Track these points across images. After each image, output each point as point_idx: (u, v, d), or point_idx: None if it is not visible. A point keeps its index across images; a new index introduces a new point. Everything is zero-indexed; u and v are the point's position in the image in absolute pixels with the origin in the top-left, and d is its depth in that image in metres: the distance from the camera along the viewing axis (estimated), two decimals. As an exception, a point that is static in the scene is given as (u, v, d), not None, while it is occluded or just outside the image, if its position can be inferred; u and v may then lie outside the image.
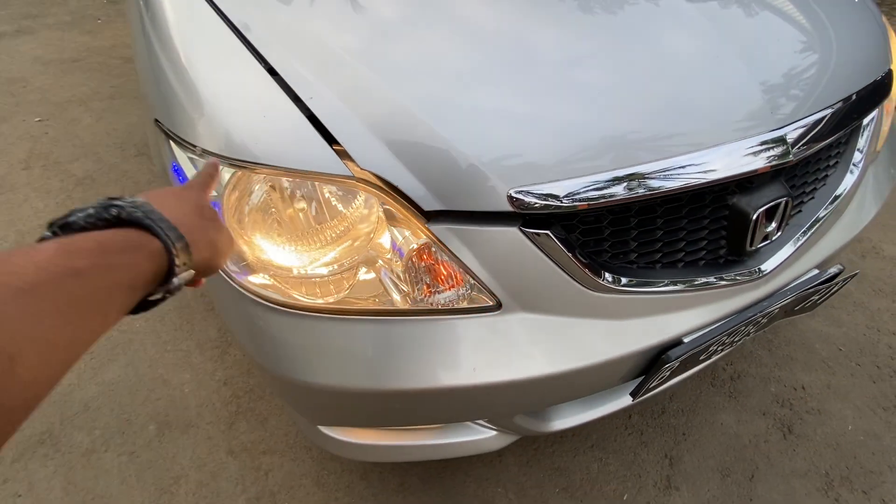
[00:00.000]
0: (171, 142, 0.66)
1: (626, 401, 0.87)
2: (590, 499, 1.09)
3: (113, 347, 1.40)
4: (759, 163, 0.65)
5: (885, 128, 0.97)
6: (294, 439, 1.20)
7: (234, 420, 1.24)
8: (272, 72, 0.64)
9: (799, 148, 0.68)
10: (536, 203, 0.58)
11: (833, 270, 0.84)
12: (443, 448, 0.84)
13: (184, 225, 0.36)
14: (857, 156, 0.86)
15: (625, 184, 0.60)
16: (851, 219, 0.91)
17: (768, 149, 0.66)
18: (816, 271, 0.84)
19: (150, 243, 0.33)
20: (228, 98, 0.63)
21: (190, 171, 0.64)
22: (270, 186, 0.62)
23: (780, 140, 0.66)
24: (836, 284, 0.85)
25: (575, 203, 0.58)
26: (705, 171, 0.62)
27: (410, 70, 0.64)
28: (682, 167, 0.62)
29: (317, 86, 0.61)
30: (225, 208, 0.61)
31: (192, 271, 0.38)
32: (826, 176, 0.85)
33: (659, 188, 0.61)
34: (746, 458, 1.16)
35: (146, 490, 1.12)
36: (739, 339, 0.85)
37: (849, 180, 0.85)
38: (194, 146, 0.62)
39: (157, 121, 0.70)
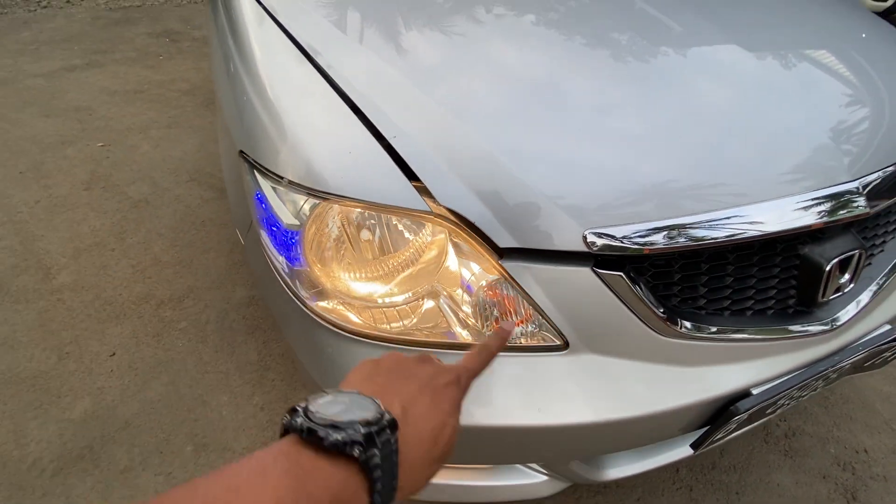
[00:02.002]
0: (256, 172, 0.70)
1: (685, 451, 0.83)
2: (637, 558, 1.03)
3: (157, 365, 1.43)
4: (836, 214, 0.64)
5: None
6: (329, 471, 1.18)
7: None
8: (356, 110, 0.68)
9: (874, 200, 0.67)
10: (611, 244, 0.59)
11: (907, 326, 0.81)
12: (491, 490, 0.81)
13: (409, 457, 0.32)
14: (927, 209, 0.84)
15: (700, 229, 0.60)
16: (922, 274, 0.87)
17: (844, 200, 0.65)
18: (888, 327, 0.81)
19: (360, 499, 0.29)
20: (314, 133, 0.67)
21: (273, 199, 0.67)
22: (345, 219, 0.65)
23: (856, 192, 0.66)
24: (911, 342, 0.81)
25: (649, 246, 0.59)
26: (781, 220, 0.62)
27: (491, 114, 0.67)
28: (758, 215, 0.62)
29: (398, 124, 0.65)
30: (306, 240, 0.63)
31: None
32: (895, 229, 0.83)
33: (734, 235, 0.61)
34: (808, 526, 1.08)
35: (180, 514, 1.11)
36: (807, 394, 0.81)
37: (919, 234, 0.83)
38: (280, 177, 0.65)
39: (242, 152, 0.74)
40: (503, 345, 0.47)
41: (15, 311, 1.61)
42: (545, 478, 0.82)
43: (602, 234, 0.58)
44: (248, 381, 1.39)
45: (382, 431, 0.30)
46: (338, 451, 0.29)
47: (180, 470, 1.19)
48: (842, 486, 1.15)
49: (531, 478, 0.81)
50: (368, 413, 0.31)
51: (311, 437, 0.29)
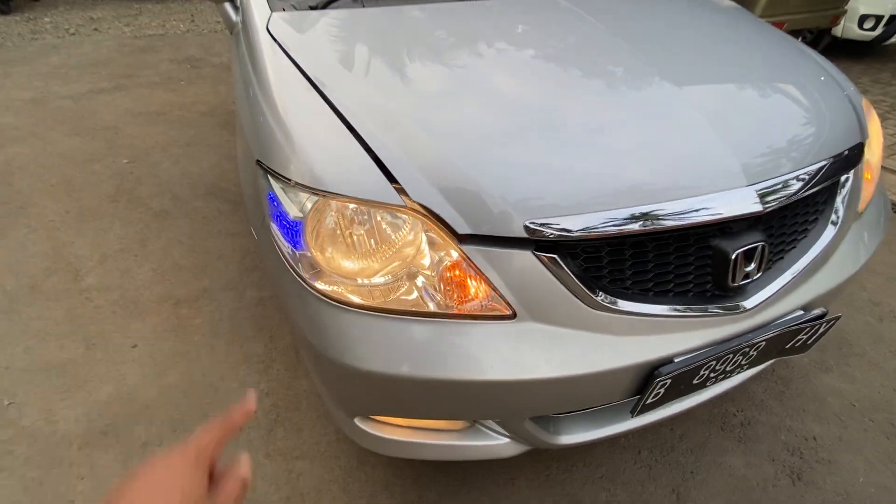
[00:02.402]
0: (270, 176, 0.87)
1: (627, 420, 0.96)
2: (598, 526, 1.15)
3: (173, 356, 1.58)
4: (733, 211, 0.79)
5: (867, 194, 1.10)
6: (325, 448, 1.31)
7: (272, 427, 1.37)
8: (350, 128, 0.85)
9: (767, 201, 0.82)
10: (545, 232, 0.74)
11: (816, 312, 0.94)
12: (461, 449, 0.95)
13: None
14: (836, 214, 0.99)
15: (614, 222, 0.75)
16: (836, 268, 1.01)
17: (742, 200, 0.81)
18: (801, 312, 0.95)
19: None
20: (316, 145, 0.84)
21: (283, 198, 0.84)
22: (339, 213, 0.81)
23: (751, 194, 0.81)
24: (821, 325, 0.95)
25: (576, 234, 0.74)
26: (685, 215, 0.78)
27: (452, 130, 0.84)
28: (664, 212, 0.78)
29: (383, 139, 0.82)
30: (308, 230, 0.79)
31: None
32: (806, 229, 0.97)
33: (644, 227, 0.76)
34: (753, 501, 1.19)
35: (192, 482, 1.24)
36: (733, 370, 0.94)
37: (828, 234, 0.97)
38: (289, 180, 0.82)
39: (258, 161, 0.92)
40: (246, 418, 0.44)
41: (47, 307, 1.78)
42: (507, 440, 0.95)
43: (538, 223, 0.74)
44: (255, 371, 1.54)
45: None
46: None
47: (192, 445, 1.33)
48: (788, 467, 1.26)
49: (494, 439, 0.95)
50: None
51: None
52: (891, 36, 5.35)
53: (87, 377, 1.52)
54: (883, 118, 3.97)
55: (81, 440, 1.34)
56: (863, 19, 5.32)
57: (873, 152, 1.12)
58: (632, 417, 0.92)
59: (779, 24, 4.42)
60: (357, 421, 0.94)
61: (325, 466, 1.27)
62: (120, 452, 1.31)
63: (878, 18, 5.30)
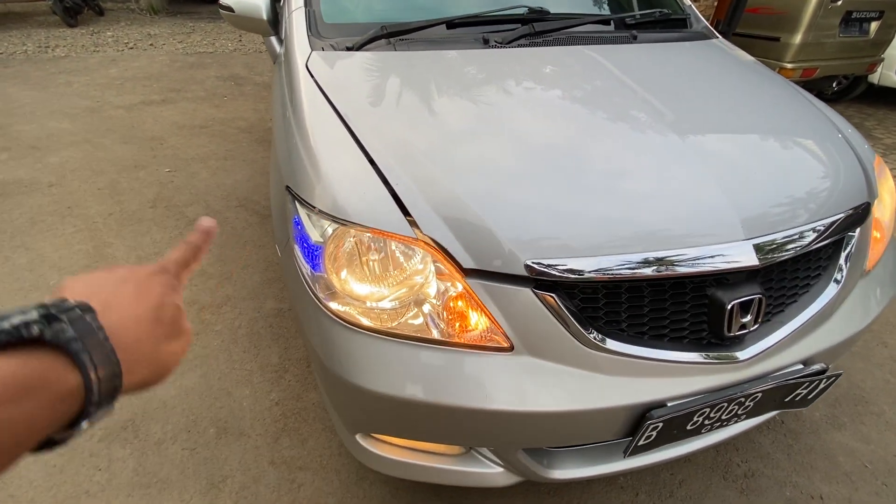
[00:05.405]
0: (297, 202, 0.95)
1: (621, 461, 0.98)
2: (588, 566, 1.14)
3: (194, 359, 1.67)
4: (729, 264, 0.83)
5: (876, 253, 1.11)
6: (327, 461, 1.35)
7: (279, 435, 1.43)
8: (372, 162, 0.92)
9: (765, 257, 0.85)
10: (544, 272, 0.79)
11: (816, 367, 0.95)
12: (456, 474, 0.98)
13: (129, 339, 0.31)
14: (840, 272, 1.00)
15: (611, 266, 0.80)
16: (840, 325, 1.02)
17: (739, 254, 0.84)
18: (800, 366, 0.96)
19: (64, 378, 0.27)
20: (340, 177, 0.92)
21: (306, 223, 0.91)
22: (357, 241, 0.88)
23: (749, 248, 0.84)
24: (820, 381, 0.95)
25: (573, 276, 0.79)
26: (680, 265, 0.81)
27: (465, 169, 0.90)
28: (661, 260, 0.81)
29: (401, 174, 0.89)
30: (327, 254, 0.86)
31: (112, 407, 0.30)
32: (808, 284, 0.99)
33: (638, 274, 0.80)
34: (752, 556, 1.17)
35: (199, 482, 1.30)
36: (729, 418, 0.95)
37: (830, 291, 0.98)
38: (313, 206, 0.90)
39: (287, 187, 1.00)
40: (207, 239, 0.45)
41: (84, 303, 1.90)
42: (501, 469, 0.98)
43: (538, 263, 0.79)
44: (268, 380, 1.60)
45: (68, 310, 0.28)
46: (12, 340, 0.26)
47: (203, 447, 1.39)
48: (791, 525, 1.23)
49: (489, 467, 0.98)
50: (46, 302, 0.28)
51: None
52: (932, 85, 5.23)
53: (113, 373, 1.61)
54: (917, 170, 3.87)
55: (102, 433, 1.42)
56: (902, 67, 5.22)
57: (885, 212, 1.13)
58: (625, 458, 0.94)
59: (811, 70, 4.39)
60: (358, 437, 0.99)
61: (325, 479, 1.31)
62: (136, 448, 1.38)
63: (920, 67, 5.20)
